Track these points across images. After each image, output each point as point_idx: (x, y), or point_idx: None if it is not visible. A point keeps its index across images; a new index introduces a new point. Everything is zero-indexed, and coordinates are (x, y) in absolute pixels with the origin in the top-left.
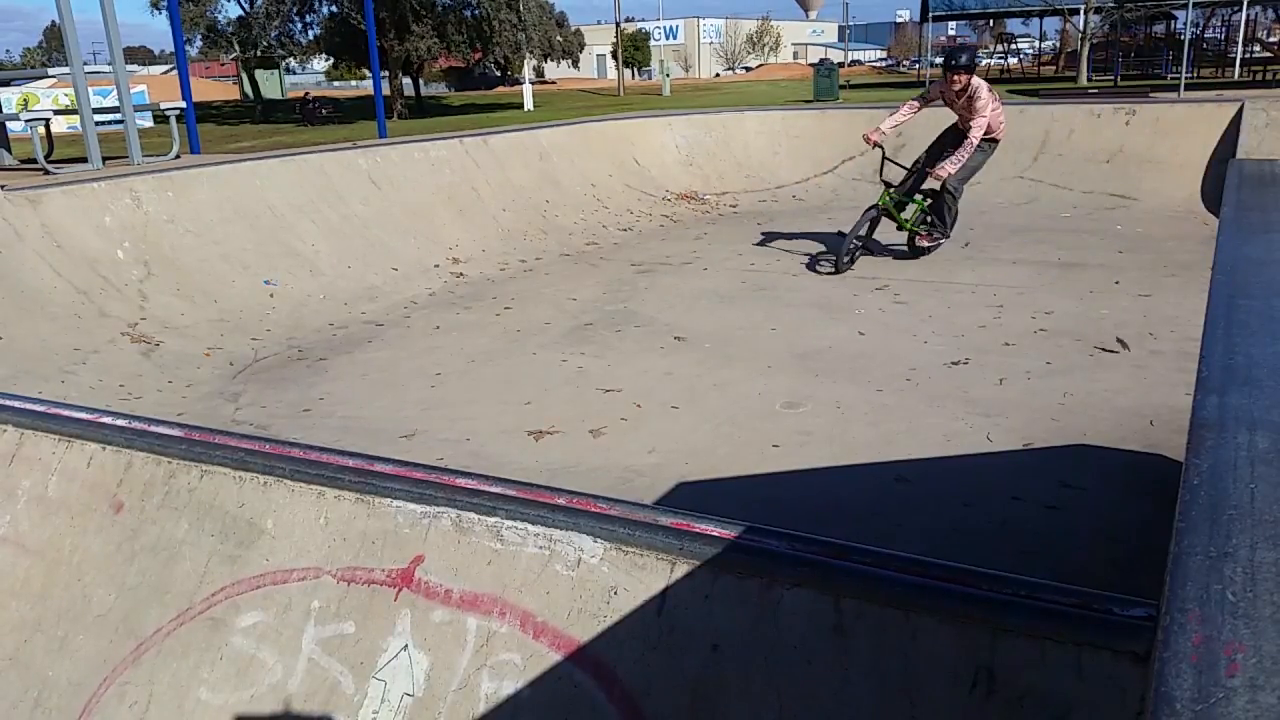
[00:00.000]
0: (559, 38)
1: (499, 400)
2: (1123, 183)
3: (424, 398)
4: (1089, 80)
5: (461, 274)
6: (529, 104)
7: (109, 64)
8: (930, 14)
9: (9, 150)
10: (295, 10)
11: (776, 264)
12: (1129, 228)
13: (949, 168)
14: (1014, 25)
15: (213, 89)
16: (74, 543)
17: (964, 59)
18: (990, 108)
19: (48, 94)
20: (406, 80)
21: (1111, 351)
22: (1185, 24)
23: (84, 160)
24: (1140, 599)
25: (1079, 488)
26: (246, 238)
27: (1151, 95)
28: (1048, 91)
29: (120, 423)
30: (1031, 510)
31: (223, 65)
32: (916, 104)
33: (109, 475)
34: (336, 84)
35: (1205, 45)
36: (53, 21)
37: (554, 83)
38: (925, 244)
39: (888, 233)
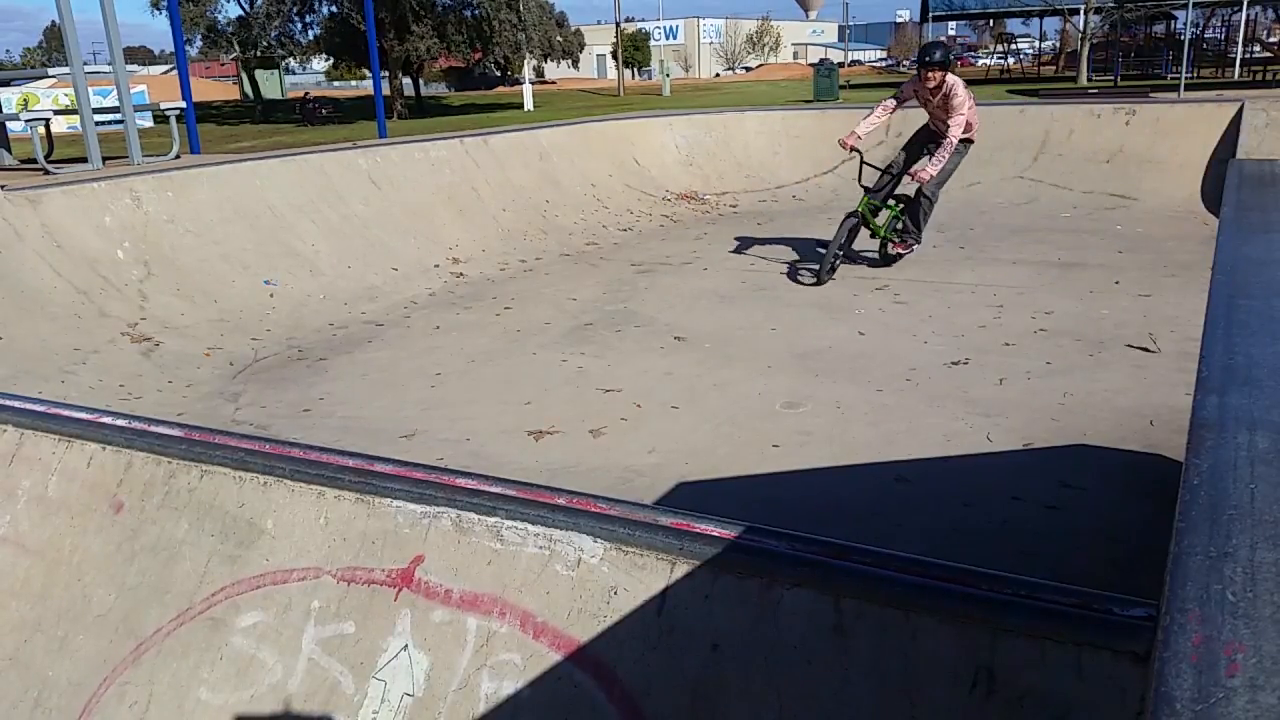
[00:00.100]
0: (559, 38)
1: (499, 400)
2: (1123, 183)
3: (424, 398)
4: (1089, 80)
5: (461, 274)
6: (529, 104)
7: (109, 64)
8: (930, 14)
9: (9, 150)
10: (295, 10)
11: (776, 264)
12: (1129, 228)
13: (930, 170)
14: (1014, 25)
15: (213, 89)
16: (74, 543)
17: (938, 55)
18: (967, 105)
19: (48, 94)
20: (406, 80)
21: (1148, 351)
22: (1185, 24)
23: (84, 160)
24: (1140, 599)
25: (1079, 488)
26: (246, 238)
27: (1151, 95)
28: (1048, 91)
29: (120, 423)
30: (1031, 510)
31: (223, 65)
32: (891, 104)
33: (109, 475)
34: (336, 84)
35: (1205, 45)
36: (53, 21)
37: (554, 83)
38: (900, 251)
39: (860, 240)
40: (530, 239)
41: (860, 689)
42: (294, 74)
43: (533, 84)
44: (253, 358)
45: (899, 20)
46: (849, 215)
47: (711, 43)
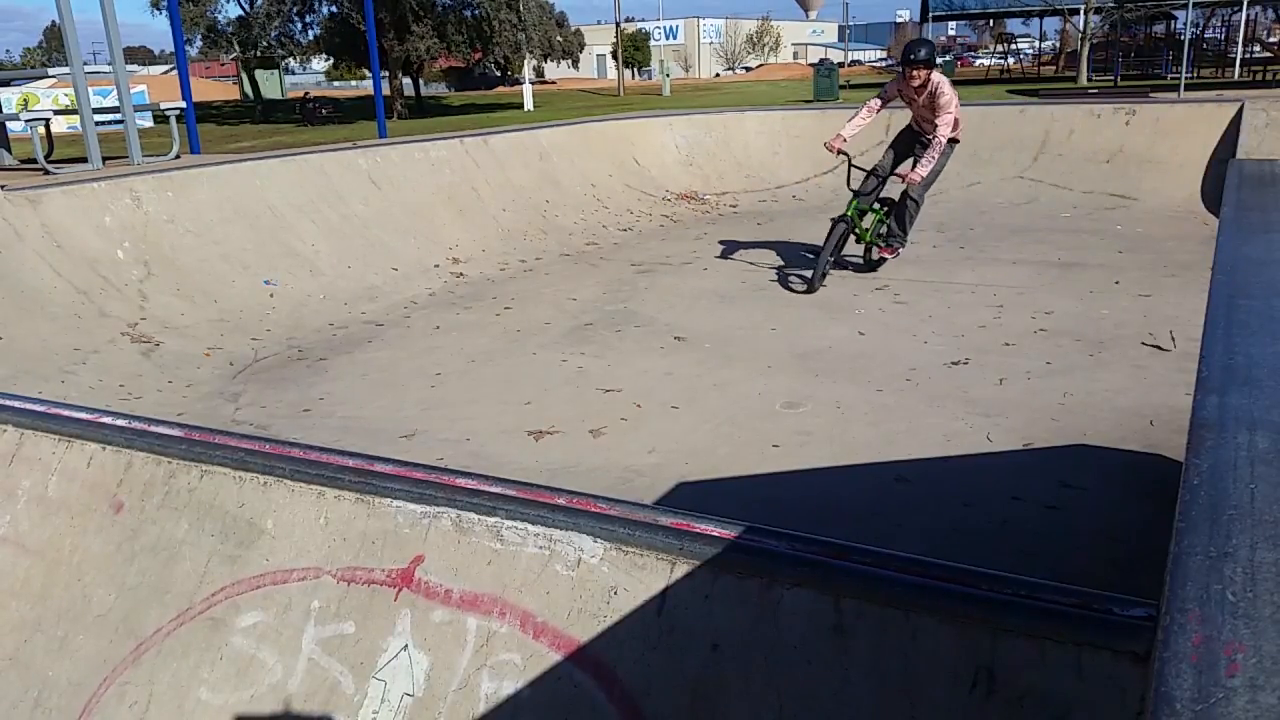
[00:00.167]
0: (559, 38)
1: (499, 400)
2: (1123, 183)
3: (424, 398)
4: (1089, 80)
5: (461, 274)
6: (529, 104)
7: (109, 64)
8: (930, 14)
9: (9, 150)
10: (295, 10)
11: (776, 264)
12: (1129, 228)
13: (921, 171)
14: (1014, 25)
15: (213, 89)
16: (74, 543)
17: (923, 53)
18: (955, 103)
19: (48, 94)
20: (406, 80)
21: (1161, 349)
22: (1185, 24)
23: (84, 160)
24: (1140, 599)
25: (1079, 488)
26: (246, 238)
27: (1151, 95)
28: (1048, 91)
29: (120, 423)
30: (1031, 510)
31: (223, 65)
32: (876, 105)
33: (109, 475)
34: (336, 84)
35: (1205, 45)
36: (53, 21)
37: (554, 83)
38: (886, 256)
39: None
40: (530, 239)
41: (860, 689)
42: (294, 74)
43: (533, 84)
44: (253, 358)
45: (899, 20)
46: (837, 220)
47: (711, 43)
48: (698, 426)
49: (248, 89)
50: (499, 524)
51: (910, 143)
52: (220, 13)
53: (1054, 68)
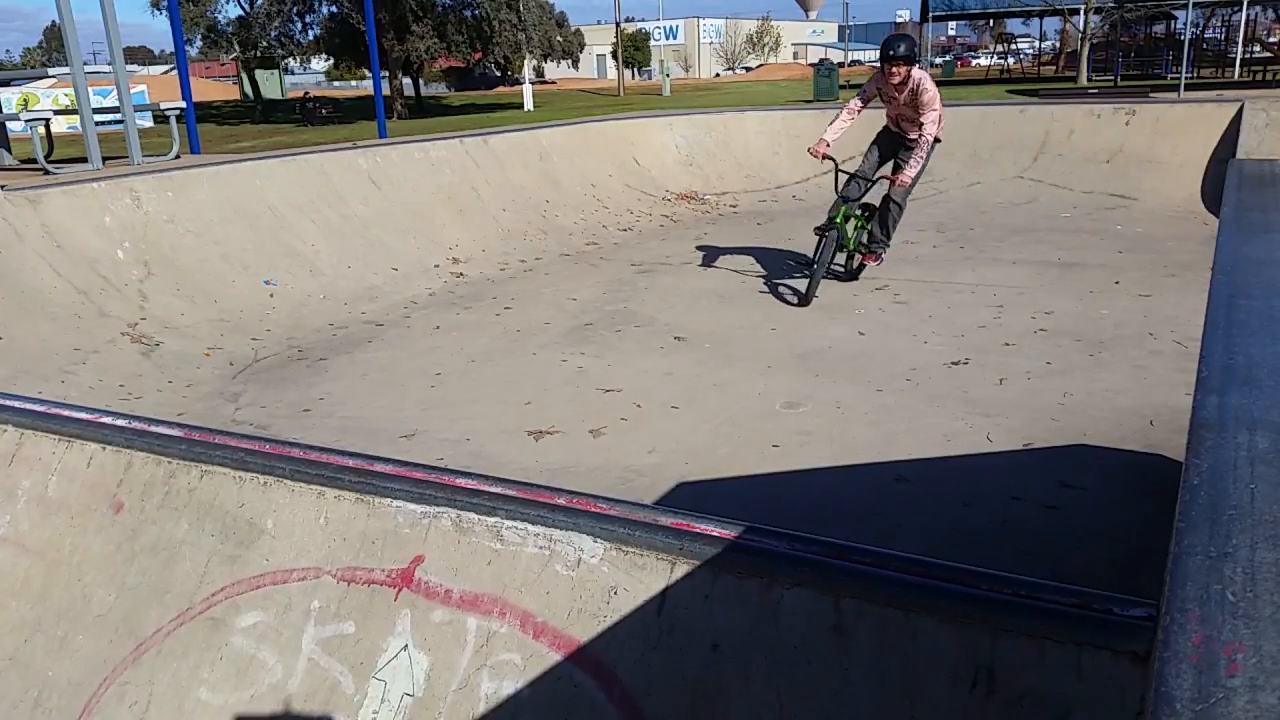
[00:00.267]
0: (559, 38)
1: (499, 400)
2: (1123, 183)
3: (424, 398)
4: (1089, 80)
5: (461, 274)
6: (529, 104)
7: (109, 64)
8: (930, 14)
9: (9, 150)
10: (295, 10)
11: (776, 265)
12: (1129, 228)
13: (909, 173)
14: (1014, 25)
15: (213, 89)
16: (74, 543)
17: (902, 48)
18: (938, 101)
19: (48, 94)
20: (406, 80)
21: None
22: (1185, 24)
23: (84, 160)
24: (1140, 599)
25: (1079, 488)
26: (246, 238)
27: (1151, 95)
28: (1048, 91)
29: (120, 423)
30: (1031, 510)
31: (223, 65)
32: (857, 105)
33: (109, 475)
34: (336, 84)
35: (1205, 45)
36: (53, 21)
37: (554, 83)
38: (869, 263)
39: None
40: (530, 239)
41: (860, 689)
42: (294, 74)
43: (533, 84)
44: (253, 358)
45: (899, 20)
46: (824, 230)
47: (711, 43)
48: (698, 426)
49: (248, 89)
50: (499, 524)
51: (890, 143)
52: (220, 13)
53: (1054, 68)
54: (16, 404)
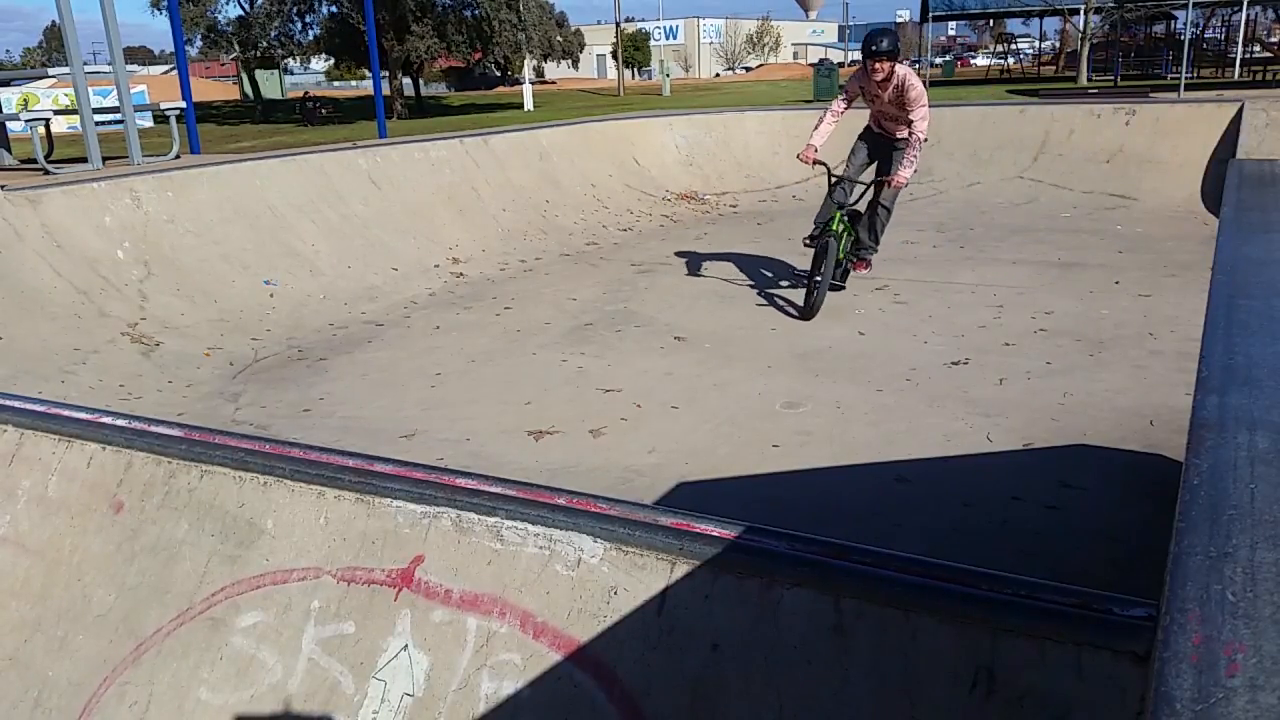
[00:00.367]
0: (559, 38)
1: (499, 400)
2: (1123, 183)
3: (424, 398)
4: (1089, 80)
5: (461, 274)
6: (529, 104)
7: (109, 64)
8: (930, 14)
9: (9, 150)
10: (295, 10)
11: (776, 265)
12: (1129, 228)
13: (905, 174)
14: (1014, 25)
15: (213, 89)
16: (74, 543)
17: (885, 43)
18: (925, 98)
19: (48, 94)
20: (406, 80)
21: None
22: (1185, 24)
23: (84, 160)
24: (1140, 599)
25: (1079, 488)
26: (246, 238)
27: (1151, 95)
28: (1048, 91)
29: (120, 423)
30: (1031, 510)
31: (223, 65)
32: (841, 107)
33: (109, 475)
34: (336, 84)
35: (1205, 45)
36: (53, 21)
37: (554, 83)
38: (862, 271)
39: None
40: (530, 239)
41: (860, 689)
42: (294, 74)
43: (533, 84)
44: (253, 358)
45: (899, 20)
46: (818, 240)
47: (711, 43)
48: (698, 426)
49: (248, 89)
50: (499, 524)
51: (875, 144)
52: (220, 13)
53: (1054, 68)
54: (16, 404)
